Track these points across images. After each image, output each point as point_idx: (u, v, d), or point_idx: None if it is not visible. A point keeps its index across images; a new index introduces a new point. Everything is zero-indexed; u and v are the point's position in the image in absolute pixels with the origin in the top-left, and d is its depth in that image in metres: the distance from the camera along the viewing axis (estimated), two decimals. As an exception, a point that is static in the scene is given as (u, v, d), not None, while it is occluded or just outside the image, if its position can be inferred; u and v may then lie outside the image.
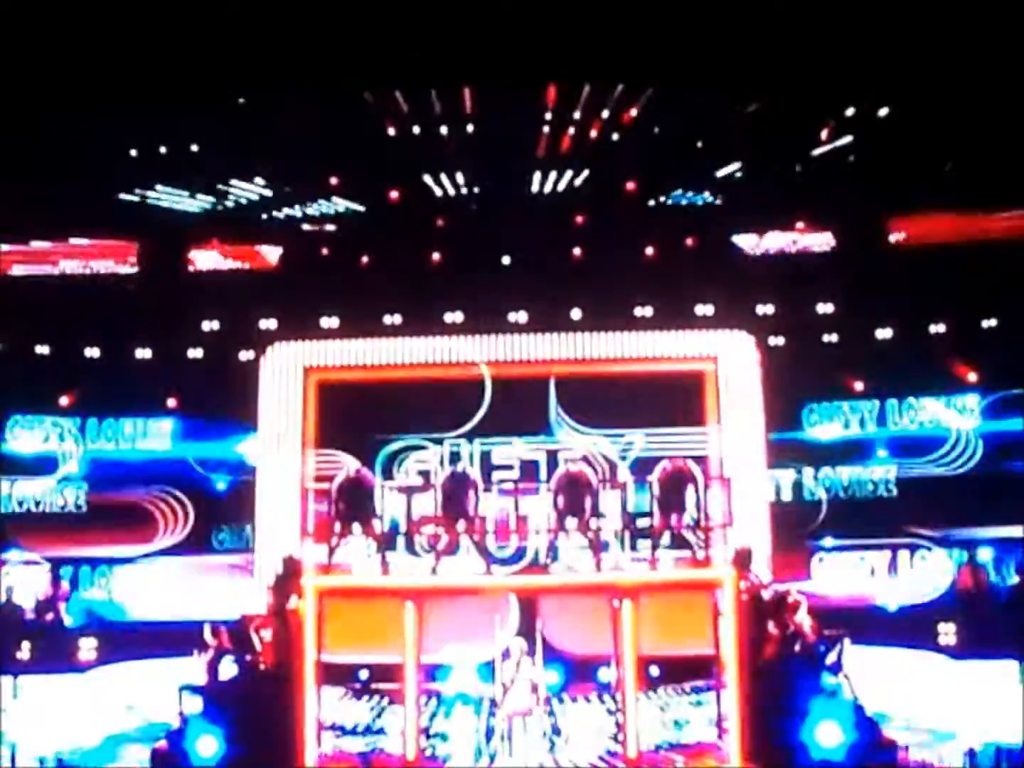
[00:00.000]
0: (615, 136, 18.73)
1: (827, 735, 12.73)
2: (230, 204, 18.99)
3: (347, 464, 17.16)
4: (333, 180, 19.11)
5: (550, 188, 19.08)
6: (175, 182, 18.58)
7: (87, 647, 16.91)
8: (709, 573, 13.58)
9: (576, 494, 13.76)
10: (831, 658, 13.23)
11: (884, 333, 18.59)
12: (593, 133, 18.75)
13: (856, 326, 18.54)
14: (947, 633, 16.54)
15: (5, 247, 18.55)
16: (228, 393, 18.55)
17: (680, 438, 18.40)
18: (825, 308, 18.62)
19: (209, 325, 18.92)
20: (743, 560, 13.97)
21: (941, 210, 18.33)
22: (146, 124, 17.84)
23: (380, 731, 14.73)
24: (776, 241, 18.80)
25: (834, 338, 18.61)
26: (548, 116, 18.28)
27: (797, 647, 13.35)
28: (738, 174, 18.24)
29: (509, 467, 17.87)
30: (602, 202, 18.99)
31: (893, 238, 18.48)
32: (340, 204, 19.25)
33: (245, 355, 18.78)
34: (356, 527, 13.99)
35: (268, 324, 18.78)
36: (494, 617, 14.63)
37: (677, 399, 18.23)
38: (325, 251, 19.11)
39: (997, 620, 16.40)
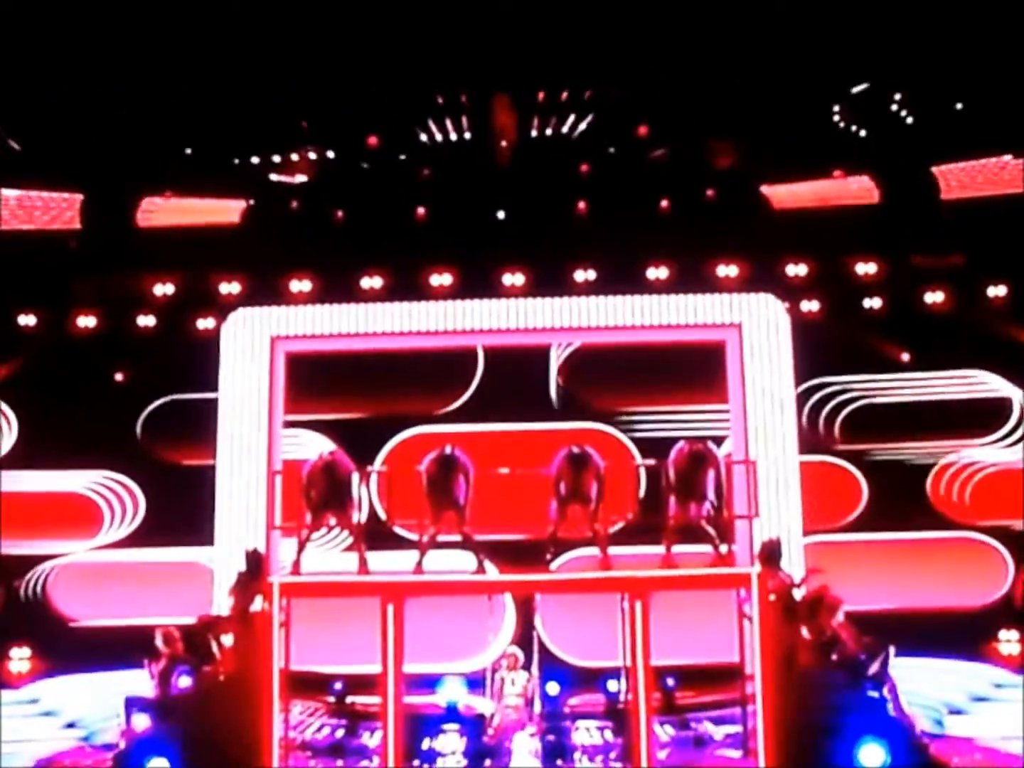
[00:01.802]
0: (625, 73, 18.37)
1: (869, 757, 12.51)
2: (187, 150, 18.61)
3: (320, 446, 17.27)
4: (305, 124, 18.82)
5: (551, 132, 18.74)
6: (124, 123, 18.16)
7: (19, 657, 16.79)
8: (732, 570, 13.42)
9: (580, 479, 13.54)
10: (874, 669, 13.02)
11: (934, 296, 18.28)
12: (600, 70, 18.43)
13: (902, 288, 18.27)
14: (1008, 641, 16.33)
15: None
16: (184, 366, 18.37)
17: (699, 416, 18.29)
18: (866, 268, 18.27)
19: (162, 289, 18.60)
20: (771, 555, 13.79)
21: (1000, 155, 17.97)
22: (91, 59, 17.51)
23: (356, 751, 14.76)
24: (810, 192, 18.42)
25: (876, 303, 18.30)
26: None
27: (834, 656, 13.12)
28: (766, 114, 17.84)
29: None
30: (610, 148, 18.70)
31: (945, 187, 18.07)
32: (312, 151, 19.00)
33: (203, 323, 18.52)
34: (330, 517, 13.86)
35: (230, 288, 18.50)
36: (486, 621, 14.67)
37: (695, 372, 18.09)
38: (295, 204, 18.80)
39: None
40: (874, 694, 12.95)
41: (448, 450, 13.69)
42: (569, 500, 13.61)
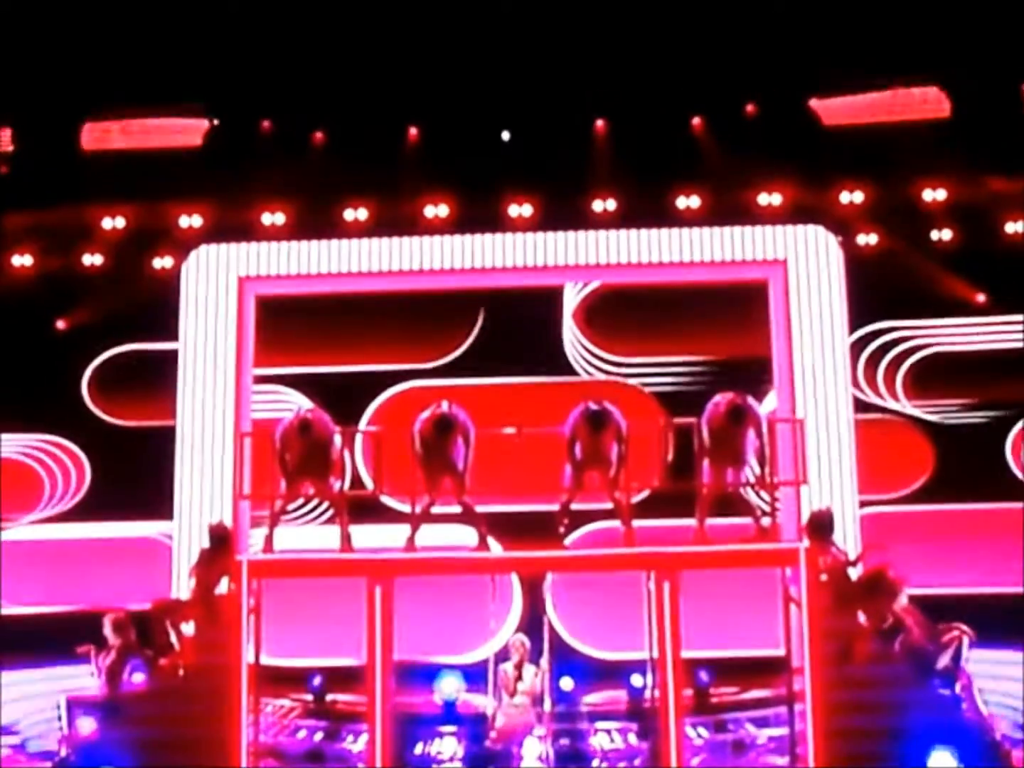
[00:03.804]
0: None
1: (939, 765, 12.29)
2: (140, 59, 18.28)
3: (296, 404, 17.56)
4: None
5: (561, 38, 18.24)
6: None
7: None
8: (776, 545, 13.39)
9: (599, 441, 13.46)
10: (944, 662, 12.95)
11: (1015, 227, 18.06)
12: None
13: (976, 217, 18.04)
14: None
15: None
16: (138, 312, 18.31)
17: (737, 368, 18.19)
18: (934, 195, 18.07)
19: (111, 223, 18.47)
20: (822, 528, 13.68)
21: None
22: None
23: (337, 757, 14.85)
24: (867, 105, 18.15)
25: (946, 235, 18.11)
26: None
27: (897, 646, 12.99)
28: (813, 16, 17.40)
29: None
30: (630, 56, 18.12)
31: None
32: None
33: (160, 262, 18.48)
34: (308, 486, 13.93)
35: (191, 221, 18.43)
36: (489, 605, 14.67)
37: (733, 316, 18.05)
38: (267, 124, 18.56)
39: None
40: (945, 691, 12.87)
41: (445, 407, 13.66)
42: (586, 465, 13.58)
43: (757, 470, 13.72)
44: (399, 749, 13.64)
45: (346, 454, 14.34)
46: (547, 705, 14.46)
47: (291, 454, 13.59)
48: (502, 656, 14.56)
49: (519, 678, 14.20)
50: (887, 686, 12.64)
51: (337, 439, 13.81)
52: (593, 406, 13.56)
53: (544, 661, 14.45)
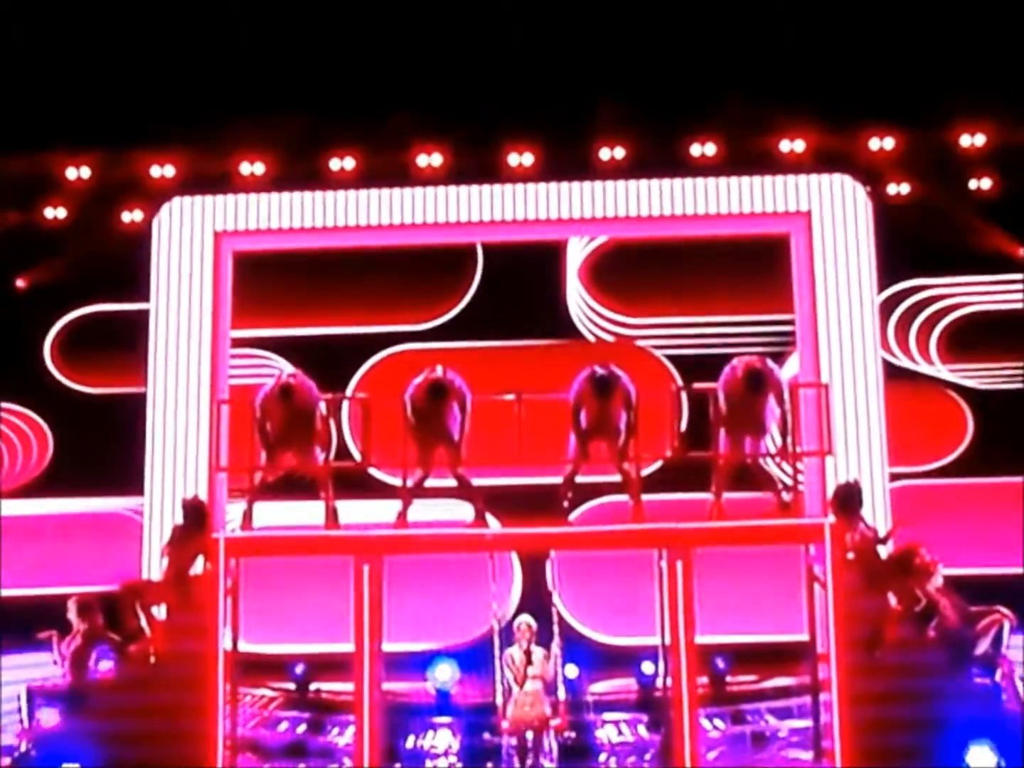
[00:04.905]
0: None
1: (977, 760, 12.26)
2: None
3: (277, 369, 17.40)
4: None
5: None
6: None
7: None
8: (799, 521, 13.48)
9: (606, 408, 13.44)
10: (983, 648, 12.86)
11: (1061, 171, 18.29)
12: None
13: (1018, 165, 17.82)
14: None
15: None
16: (105, 269, 18.24)
17: (756, 328, 18.22)
18: (972, 140, 17.90)
19: (76, 172, 18.36)
20: (848, 502, 13.62)
21: None
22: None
23: (321, 751, 14.91)
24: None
25: (985, 184, 17.99)
26: None
27: (931, 630, 12.91)
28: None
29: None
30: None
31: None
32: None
33: (130, 215, 18.45)
34: (290, 457, 13.87)
35: (163, 171, 18.34)
36: (489, 586, 14.60)
37: (752, 273, 18.04)
38: (247, 67, 18.30)
39: None
40: (983, 680, 12.81)
41: (439, 372, 13.67)
42: (592, 434, 13.65)
43: (778, 439, 13.66)
44: (389, 742, 13.71)
45: (331, 423, 14.32)
46: (560, 692, 14.37)
47: (272, 423, 13.59)
48: (506, 640, 14.45)
49: (528, 663, 14.06)
50: (920, 674, 12.62)
51: (322, 407, 13.84)
52: (600, 371, 13.51)
53: (555, 645, 14.36)
